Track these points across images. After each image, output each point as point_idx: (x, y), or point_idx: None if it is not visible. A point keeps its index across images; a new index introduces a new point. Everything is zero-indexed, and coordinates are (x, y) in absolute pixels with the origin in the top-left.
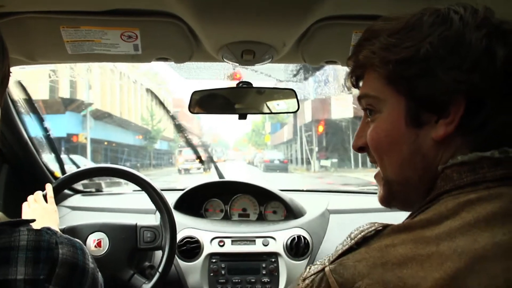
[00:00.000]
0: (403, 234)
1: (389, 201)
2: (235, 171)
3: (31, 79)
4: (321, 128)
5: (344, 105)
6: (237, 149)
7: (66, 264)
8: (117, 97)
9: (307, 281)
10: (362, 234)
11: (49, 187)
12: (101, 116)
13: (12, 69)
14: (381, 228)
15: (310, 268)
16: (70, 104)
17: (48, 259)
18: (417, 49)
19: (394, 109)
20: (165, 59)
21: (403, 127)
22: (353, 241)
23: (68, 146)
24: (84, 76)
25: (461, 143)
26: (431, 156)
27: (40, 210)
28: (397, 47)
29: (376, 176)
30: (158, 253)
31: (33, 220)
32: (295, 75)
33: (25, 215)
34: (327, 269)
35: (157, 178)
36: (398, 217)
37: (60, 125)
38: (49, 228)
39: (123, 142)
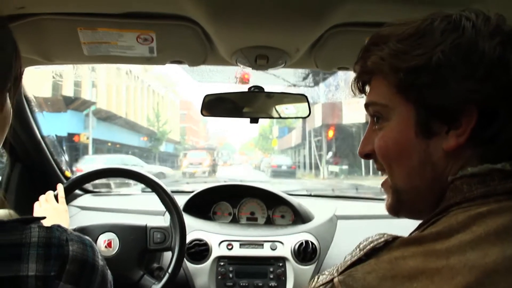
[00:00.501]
0: (413, 246)
1: (397, 210)
2: (241, 176)
3: (34, 75)
4: (331, 133)
5: (355, 110)
6: (244, 153)
7: (76, 261)
8: (123, 97)
9: None
10: (371, 245)
11: (60, 187)
12: (104, 116)
13: (27, 69)
14: (390, 239)
15: (318, 278)
16: (72, 103)
17: (58, 256)
18: (429, 57)
19: (403, 118)
20: (179, 62)
21: (412, 137)
22: (362, 252)
23: (69, 146)
24: (89, 75)
25: (472, 154)
26: (441, 166)
27: (51, 210)
28: (408, 55)
29: (383, 184)
30: (167, 255)
31: (44, 218)
32: (304, 79)
33: (36, 215)
34: (336, 280)
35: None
36: (406, 224)
37: (61, 124)
38: (59, 226)
39: (128, 143)
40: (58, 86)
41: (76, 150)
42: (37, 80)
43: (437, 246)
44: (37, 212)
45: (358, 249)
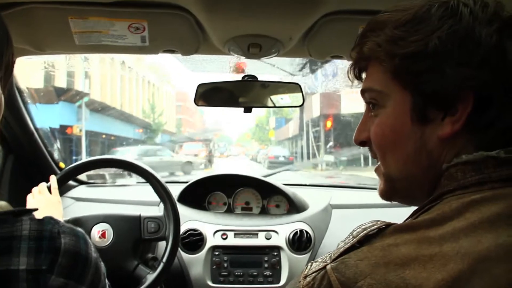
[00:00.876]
0: (406, 234)
1: (390, 195)
2: (238, 167)
3: (25, 66)
4: (329, 124)
5: (354, 100)
6: (240, 144)
7: (69, 254)
8: (117, 89)
9: (308, 279)
10: (364, 232)
11: (53, 179)
12: (98, 107)
13: (18, 59)
14: (384, 226)
15: (311, 265)
16: (64, 94)
17: (50, 249)
18: (425, 44)
19: (399, 105)
20: (171, 51)
21: (408, 124)
22: (355, 239)
23: (62, 138)
24: (83, 65)
25: (467, 141)
26: (436, 153)
27: (44, 202)
28: (404, 41)
29: (376, 170)
30: (161, 245)
31: (36, 209)
32: (302, 68)
33: (29, 207)
34: (328, 267)
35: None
36: (401, 213)
37: (52, 115)
38: (51, 218)
39: (123, 135)
40: (50, 77)
41: (69, 142)
42: (27, 71)
43: (430, 233)
44: (30, 204)
45: (351, 236)
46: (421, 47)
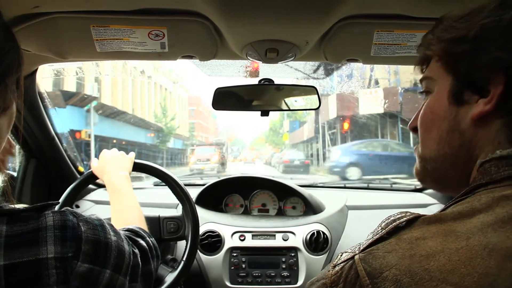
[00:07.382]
0: (434, 226)
1: (422, 177)
2: (252, 171)
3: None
4: (346, 126)
5: (372, 100)
6: (254, 148)
7: (90, 242)
8: (129, 93)
9: (337, 268)
10: (393, 224)
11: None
12: (108, 111)
13: (41, 66)
14: (412, 218)
15: (341, 255)
16: (71, 98)
17: (74, 237)
18: (469, 30)
19: (441, 88)
20: (190, 57)
21: (445, 105)
22: (384, 231)
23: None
24: (94, 70)
25: (501, 125)
26: (468, 134)
27: (118, 154)
28: (453, 28)
29: (415, 150)
30: (180, 247)
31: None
32: (315, 70)
33: (103, 156)
34: (356, 257)
35: None
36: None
37: (59, 120)
38: (71, 210)
39: (134, 140)
40: (59, 81)
41: (78, 147)
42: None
43: (457, 226)
44: (105, 153)
45: (380, 228)
46: (464, 33)
